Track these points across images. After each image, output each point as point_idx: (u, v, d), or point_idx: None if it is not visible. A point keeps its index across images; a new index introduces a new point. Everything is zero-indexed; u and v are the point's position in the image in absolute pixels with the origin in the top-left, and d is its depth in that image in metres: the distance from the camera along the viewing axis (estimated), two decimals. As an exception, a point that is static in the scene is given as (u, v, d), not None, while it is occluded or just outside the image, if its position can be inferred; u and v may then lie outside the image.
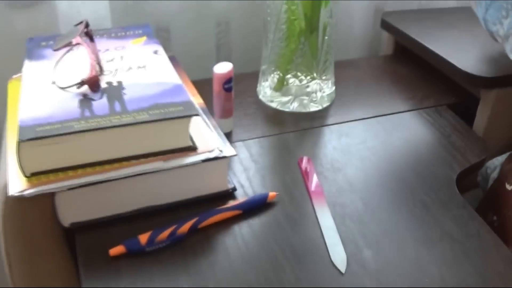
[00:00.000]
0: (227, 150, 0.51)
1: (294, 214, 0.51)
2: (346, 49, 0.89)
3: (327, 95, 0.67)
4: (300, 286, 0.44)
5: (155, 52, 0.58)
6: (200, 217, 0.49)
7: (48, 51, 0.57)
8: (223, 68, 0.58)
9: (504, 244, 0.49)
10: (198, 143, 0.51)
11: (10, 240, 0.49)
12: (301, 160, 0.58)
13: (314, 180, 0.55)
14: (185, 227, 0.48)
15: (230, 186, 0.53)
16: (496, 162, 0.65)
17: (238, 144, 0.60)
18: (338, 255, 0.47)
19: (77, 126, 0.45)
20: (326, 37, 0.63)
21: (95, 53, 0.55)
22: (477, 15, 0.62)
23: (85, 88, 0.50)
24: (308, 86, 0.65)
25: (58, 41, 0.57)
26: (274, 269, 0.46)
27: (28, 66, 0.55)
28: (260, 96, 0.69)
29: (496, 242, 0.49)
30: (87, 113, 0.47)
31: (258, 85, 0.70)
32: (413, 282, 0.45)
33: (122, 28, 0.63)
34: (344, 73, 0.76)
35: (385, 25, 0.80)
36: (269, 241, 0.49)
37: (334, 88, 0.68)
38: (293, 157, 0.59)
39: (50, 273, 0.51)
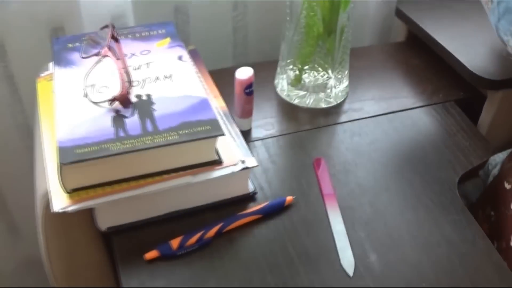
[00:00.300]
0: (249, 161, 0.56)
1: (308, 217, 0.57)
2: (360, 33, 0.91)
3: (342, 90, 0.71)
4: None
5: (180, 58, 0.60)
6: (224, 222, 0.55)
7: (75, 56, 0.60)
8: (244, 73, 0.61)
9: (496, 251, 0.55)
10: (222, 154, 0.55)
11: (51, 240, 0.55)
12: (316, 161, 0.62)
13: (327, 183, 0.60)
14: (212, 232, 0.54)
15: (251, 190, 0.58)
16: (498, 158, 0.70)
17: (257, 143, 0.65)
18: (347, 259, 0.53)
19: (113, 149, 0.49)
20: (343, 38, 0.65)
21: (124, 64, 0.58)
22: (490, 20, 0.64)
23: (116, 103, 0.54)
24: (324, 83, 0.69)
25: (85, 46, 0.61)
26: (290, 272, 0.52)
27: (58, 74, 0.58)
28: (278, 90, 0.72)
29: (489, 248, 0.55)
30: (121, 133, 0.51)
31: (276, 78, 0.73)
32: (412, 285, 0.51)
33: (146, 27, 0.65)
34: (358, 62, 0.78)
35: (399, 14, 0.81)
36: (286, 244, 0.54)
37: (348, 83, 0.72)
38: (308, 157, 0.63)
39: (88, 270, 0.58)
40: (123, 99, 0.53)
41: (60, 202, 0.50)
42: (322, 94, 0.69)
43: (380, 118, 0.69)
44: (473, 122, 0.70)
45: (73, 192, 0.50)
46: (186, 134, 0.51)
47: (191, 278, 0.51)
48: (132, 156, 0.50)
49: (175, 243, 0.53)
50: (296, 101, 0.70)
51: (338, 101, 0.71)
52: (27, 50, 0.74)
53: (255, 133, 0.66)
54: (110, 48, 0.60)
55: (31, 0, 0.69)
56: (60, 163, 0.48)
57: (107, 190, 0.51)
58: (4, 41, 0.72)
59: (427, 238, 0.55)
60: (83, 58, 0.59)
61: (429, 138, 0.67)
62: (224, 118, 0.60)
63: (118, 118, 0.52)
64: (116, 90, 0.55)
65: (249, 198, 0.58)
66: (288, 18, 0.65)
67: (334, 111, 0.70)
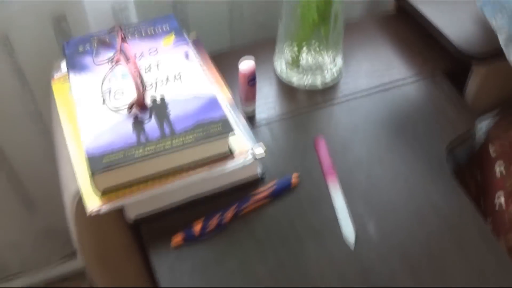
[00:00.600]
0: (258, 150, 0.62)
1: (312, 195, 0.65)
2: (351, 4, 0.94)
3: (337, 70, 0.76)
4: (320, 260, 0.59)
5: (186, 56, 0.66)
6: (239, 206, 0.62)
7: (88, 60, 0.66)
8: (246, 65, 0.67)
9: (482, 219, 0.63)
10: (233, 145, 0.62)
11: (82, 233, 0.63)
12: (316, 140, 0.69)
13: (328, 161, 0.67)
14: (228, 214, 0.62)
15: (260, 173, 0.65)
16: (484, 123, 0.77)
17: (261, 127, 0.71)
18: (348, 232, 0.62)
19: (137, 154, 0.56)
20: (337, 23, 0.70)
21: (136, 68, 0.63)
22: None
23: (134, 109, 0.60)
24: (320, 64, 0.74)
25: (96, 49, 0.66)
26: (299, 246, 0.60)
27: (74, 80, 0.64)
28: (277, 71, 0.78)
29: (475, 216, 0.63)
30: (142, 139, 0.57)
31: (275, 59, 0.79)
32: (406, 252, 0.59)
33: (150, 23, 0.70)
34: (350, 36, 0.83)
35: (387, -15, 0.85)
36: (294, 221, 0.62)
37: (342, 62, 0.77)
38: (309, 137, 0.70)
39: (117, 255, 0.66)
40: (140, 105, 0.60)
41: (93, 203, 0.57)
42: (318, 75, 0.75)
43: (373, 94, 0.75)
44: (460, 91, 0.77)
45: (104, 193, 0.58)
46: (200, 135, 0.58)
47: (214, 259, 0.59)
48: (154, 159, 0.57)
49: (197, 228, 0.61)
50: (295, 82, 0.76)
51: (334, 79, 0.77)
52: (32, 41, 0.78)
53: (259, 117, 0.73)
54: (121, 51, 0.65)
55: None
56: (91, 171, 0.55)
57: (134, 189, 0.58)
58: (9, 35, 0.76)
59: (418, 207, 0.63)
60: (97, 64, 0.64)
61: (418, 111, 0.73)
62: (231, 109, 0.66)
63: (138, 124, 0.59)
64: (131, 95, 0.61)
65: (259, 180, 0.65)
66: (284, 4, 0.70)
67: (331, 89, 0.76)
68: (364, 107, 0.74)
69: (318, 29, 0.70)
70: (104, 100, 0.61)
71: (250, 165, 0.63)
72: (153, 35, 0.69)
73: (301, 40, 0.71)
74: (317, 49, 0.72)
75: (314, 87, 0.76)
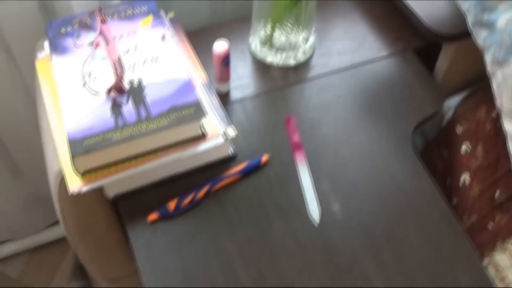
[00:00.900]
0: (229, 131, 0.67)
1: (281, 173, 0.70)
2: None
3: (309, 47, 0.81)
4: (286, 237, 0.65)
5: (163, 38, 0.70)
6: (211, 184, 0.68)
7: (70, 42, 0.70)
8: (221, 47, 0.71)
9: (443, 198, 0.68)
10: (206, 126, 0.67)
11: (65, 207, 0.69)
12: (287, 119, 0.74)
13: (297, 140, 0.72)
14: (201, 193, 0.68)
15: (232, 152, 0.70)
16: (452, 103, 0.82)
17: (235, 105, 0.76)
18: (314, 210, 0.67)
19: (115, 138, 0.61)
20: (309, 3, 0.74)
21: (115, 53, 0.67)
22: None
23: (112, 93, 0.64)
24: (292, 42, 0.78)
25: (77, 31, 0.69)
26: (267, 224, 0.66)
27: (56, 62, 0.68)
28: (252, 49, 0.82)
29: (436, 196, 0.69)
30: (120, 122, 0.62)
31: (250, 37, 0.82)
32: (368, 231, 0.65)
33: (129, 4, 0.74)
34: (324, 13, 0.87)
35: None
36: (263, 199, 0.68)
37: (314, 40, 0.81)
38: (280, 115, 0.76)
39: (98, 227, 0.72)
40: (118, 89, 0.64)
41: (75, 184, 0.62)
42: (291, 52, 0.79)
43: (344, 72, 0.80)
44: (430, 67, 0.81)
45: (84, 174, 0.63)
46: (174, 119, 0.62)
47: (187, 235, 0.65)
48: (131, 142, 0.62)
49: (171, 205, 0.67)
50: (268, 60, 0.81)
51: (307, 57, 0.81)
52: (17, 18, 0.81)
53: (233, 95, 0.78)
54: (101, 32, 0.69)
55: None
56: (72, 154, 0.60)
57: (112, 169, 0.64)
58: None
59: (382, 188, 0.69)
60: (77, 47, 0.68)
61: (387, 90, 0.78)
62: (205, 90, 0.71)
63: (116, 107, 0.63)
64: (110, 78, 0.65)
65: (231, 158, 0.71)
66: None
67: (303, 67, 0.81)
68: (335, 85, 0.79)
69: (291, 10, 0.73)
70: (84, 83, 0.65)
71: (222, 145, 0.68)
72: (132, 17, 0.73)
73: (274, 20, 0.75)
74: (290, 29, 0.76)
75: (287, 65, 0.81)
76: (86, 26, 0.71)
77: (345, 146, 0.73)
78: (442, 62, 0.82)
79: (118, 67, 0.66)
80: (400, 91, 0.78)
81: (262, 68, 0.81)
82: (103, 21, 0.71)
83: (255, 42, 0.82)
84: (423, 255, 0.64)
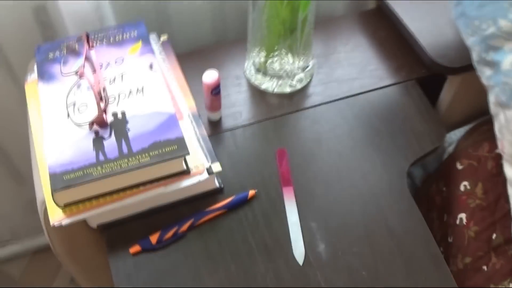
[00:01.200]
0: (214, 166, 0.67)
1: (268, 209, 0.70)
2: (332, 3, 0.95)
3: (305, 74, 0.79)
4: (268, 276, 0.65)
5: (151, 67, 0.70)
6: (195, 218, 0.68)
7: (56, 69, 0.70)
8: (210, 77, 0.70)
9: (434, 242, 0.67)
10: (190, 161, 0.66)
11: (52, 230, 0.70)
12: (278, 152, 0.73)
13: (287, 175, 0.72)
14: (184, 227, 0.68)
15: (218, 185, 0.70)
16: (454, 136, 0.80)
17: (226, 134, 0.76)
18: (299, 250, 0.67)
19: (95, 174, 0.61)
20: (305, 32, 0.72)
21: (100, 80, 0.67)
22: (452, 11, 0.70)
23: (95, 125, 0.64)
24: (288, 69, 0.77)
25: (65, 57, 0.70)
26: (250, 261, 0.66)
27: (42, 90, 0.69)
28: (246, 74, 0.81)
29: (428, 239, 0.67)
30: (101, 157, 0.62)
31: (246, 61, 0.81)
32: (354, 274, 0.65)
33: (118, 28, 0.74)
34: (327, 35, 0.86)
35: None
36: (247, 235, 0.68)
37: (312, 66, 0.80)
38: (272, 147, 0.75)
39: (86, 248, 0.73)
40: (100, 123, 0.64)
41: (56, 216, 0.63)
42: (287, 80, 0.78)
43: (341, 102, 0.79)
44: (433, 97, 0.79)
45: (66, 207, 0.63)
46: (156, 155, 0.63)
47: (168, 269, 0.66)
48: (112, 177, 0.62)
49: (154, 238, 0.67)
50: (263, 86, 0.80)
51: (303, 85, 0.80)
52: (13, 26, 0.82)
53: (225, 123, 0.77)
54: (87, 58, 0.69)
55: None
56: (52, 188, 0.60)
57: (94, 203, 0.64)
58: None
59: (372, 229, 0.68)
60: (63, 75, 0.68)
61: (386, 122, 0.77)
62: (193, 120, 0.70)
63: (98, 141, 0.64)
64: (94, 109, 0.65)
65: (217, 191, 0.70)
66: (251, 10, 0.72)
67: (299, 95, 0.80)
68: (331, 116, 0.78)
69: (285, 39, 0.72)
70: (68, 114, 0.66)
71: (207, 180, 0.68)
72: (121, 42, 0.73)
73: (269, 48, 0.74)
74: (285, 57, 0.75)
75: (282, 92, 0.80)
76: (74, 52, 0.71)
77: (336, 183, 0.72)
78: (446, 94, 0.80)
79: (102, 100, 0.66)
80: (399, 124, 0.77)
81: (256, 94, 0.81)
82: (91, 47, 0.71)
83: (250, 67, 0.81)
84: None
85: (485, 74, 0.68)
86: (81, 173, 0.62)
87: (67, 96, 0.68)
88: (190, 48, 0.89)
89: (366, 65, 0.83)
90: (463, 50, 0.75)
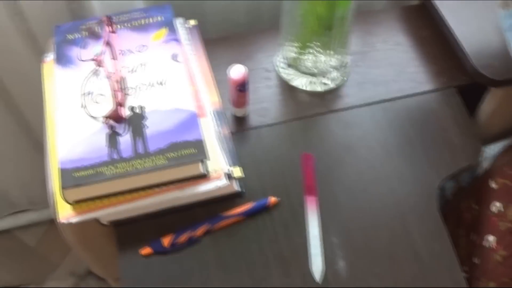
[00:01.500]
0: (235, 171, 0.60)
1: (288, 219, 0.63)
2: None
3: (340, 74, 0.71)
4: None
5: (174, 58, 0.62)
6: (210, 223, 0.62)
7: (75, 52, 0.64)
8: (237, 72, 0.62)
9: (459, 268, 0.60)
10: (209, 165, 0.60)
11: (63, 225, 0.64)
12: (304, 157, 0.66)
13: (312, 183, 0.65)
14: (199, 231, 0.62)
15: (238, 189, 0.63)
16: (490, 151, 0.71)
17: (251, 132, 0.69)
18: (317, 266, 0.61)
19: (107, 173, 0.55)
20: (343, 30, 0.64)
21: (119, 72, 0.60)
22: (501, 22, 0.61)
23: (110, 120, 0.58)
24: (322, 66, 0.69)
25: (84, 39, 0.62)
26: (265, 273, 0.60)
27: (59, 75, 0.62)
28: (277, 68, 0.73)
29: (453, 264, 0.61)
30: (114, 155, 0.56)
31: (277, 54, 0.74)
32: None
33: (144, 12, 0.66)
34: (365, 32, 0.77)
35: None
36: (264, 245, 0.62)
37: (347, 65, 0.71)
38: (298, 150, 0.67)
39: (97, 238, 0.68)
40: (116, 117, 0.57)
41: (65, 212, 0.58)
42: (320, 77, 0.70)
43: (376, 106, 0.71)
44: (472, 106, 0.70)
45: (76, 203, 0.58)
46: (173, 158, 0.56)
47: (179, 275, 0.60)
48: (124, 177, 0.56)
49: (166, 241, 0.61)
50: (293, 83, 0.72)
51: (336, 84, 0.72)
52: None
53: (251, 120, 0.70)
54: (107, 43, 0.62)
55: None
56: (61, 185, 0.55)
57: (105, 202, 0.58)
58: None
59: (396, 249, 0.61)
60: (81, 61, 0.61)
61: (420, 132, 0.69)
62: (216, 117, 0.63)
63: (112, 137, 0.57)
64: (111, 101, 0.58)
65: (237, 195, 0.64)
66: (285, 2, 0.64)
67: (331, 95, 0.72)
68: (363, 120, 0.70)
69: (319, 37, 0.64)
70: (84, 105, 0.59)
71: (225, 186, 0.61)
72: (145, 27, 0.65)
73: (302, 45, 0.66)
74: (319, 54, 0.66)
75: (313, 90, 0.72)
76: (95, 34, 0.64)
77: (363, 196, 0.65)
78: (487, 106, 0.71)
79: (119, 93, 0.59)
80: (434, 135, 0.68)
81: (286, 91, 0.73)
82: (112, 31, 0.64)
83: (281, 61, 0.73)
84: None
85: None
86: (93, 171, 0.56)
87: (84, 84, 0.61)
88: (220, 33, 0.81)
89: (405, 67, 0.74)
90: (509, 63, 0.67)
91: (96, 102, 0.60)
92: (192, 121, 0.59)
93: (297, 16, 0.63)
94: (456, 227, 0.74)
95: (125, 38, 0.65)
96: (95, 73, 0.61)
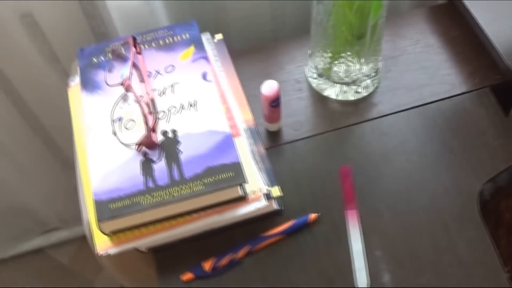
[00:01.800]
0: (274, 190, 0.56)
1: (330, 236, 0.59)
2: None
3: (373, 81, 0.66)
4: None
5: (204, 77, 0.58)
6: (251, 245, 0.58)
7: (101, 76, 0.59)
8: (269, 88, 0.58)
9: (503, 272, 0.56)
10: (247, 185, 0.55)
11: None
12: (342, 170, 0.62)
13: (351, 196, 0.61)
14: (240, 253, 0.58)
15: (277, 208, 0.59)
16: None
17: (285, 147, 0.64)
18: (362, 282, 0.57)
19: (145, 203, 0.51)
20: (375, 37, 0.59)
21: (148, 95, 0.56)
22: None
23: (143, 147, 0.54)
24: (354, 75, 0.64)
25: (110, 63, 0.58)
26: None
27: (86, 101, 0.58)
28: (308, 78, 0.69)
29: (497, 269, 0.56)
30: (150, 184, 0.52)
31: (307, 64, 0.69)
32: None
33: (169, 30, 0.62)
34: (394, 33, 0.72)
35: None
36: (307, 263, 0.58)
37: (379, 71, 0.67)
38: (335, 163, 0.63)
39: (137, 265, 0.64)
40: (149, 144, 0.53)
41: (102, 243, 0.54)
42: (352, 86, 0.65)
43: (411, 112, 0.66)
44: (507, 105, 0.66)
45: (113, 234, 0.54)
46: (211, 183, 0.52)
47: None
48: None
49: (207, 265, 0.57)
50: (325, 93, 0.67)
51: (369, 92, 0.67)
52: (57, 18, 0.71)
53: (284, 135, 0.65)
54: (133, 66, 0.58)
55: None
56: (97, 219, 0.51)
57: (143, 231, 0.55)
58: (34, 12, 0.69)
59: (440, 257, 0.57)
60: (109, 85, 0.57)
61: (458, 136, 0.64)
62: (250, 136, 0.59)
63: (147, 164, 0.53)
64: (142, 127, 0.54)
65: (275, 213, 0.60)
66: (315, 13, 0.59)
67: (365, 103, 0.67)
68: (399, 128, 0.65)
69: (352, 46, 0.59)
70: (114, 132, 0.55)
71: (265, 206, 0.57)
72: (171, 46, 0.61)
73: (333, 56, 0.61)
74: (352, 63, 0.62)
75: (346, 100, 0.67)
76: (120, 56, 0.60)
77: (403, 205, 0.60)
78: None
79: (150, 117, 0.55)
80: (472, 138, 0.64)
81: (318, 101, 0.68)
82: (138, 52, 0.59)
83: (312, 71, 0.68)
84: None
85: None
86: (129, 201, 0.52)
87: (113, 111, 0.57)
88: (245, 43, 0.76)
89: (438, 69, 0.69)
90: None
91: (127, 128, 0.56)
92: (227, 143, 0.54)
93: (328, 27, 0.58)
94: (495, 228, 0.70)
95: (152, 59, 0.60)
96: (124, 98, 0.58)
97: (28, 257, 1.12)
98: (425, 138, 0.64)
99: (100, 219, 0.51)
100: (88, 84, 0.59)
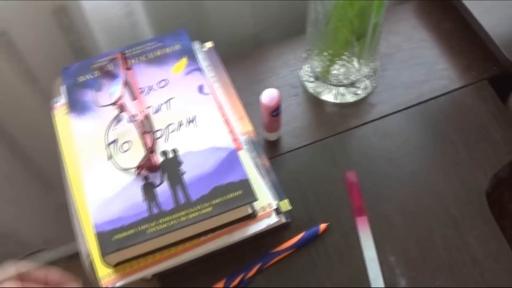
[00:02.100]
0: (283, 204, 0.52)
1: (341, 245, 0.56)
2: None
3: (371, 82, 0.63)
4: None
5: (201, 90, 0.53)
6: (262, 262, 0.54)
7: (90, 96, 0.54)
8: (269, 97, 0.54)
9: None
10: (255, 202, 0.51)
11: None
12: (347, 177, 0.58)
13: (359, 202, 0.57)
14: (251, 272, 0.54)
15: (285, 221, 0.55)
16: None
17: (287, 156, 0.60)
18: (378, 288, 0.54)
19: (150, 231, 0.47)
20: (375, 37, 0.55)
21: (143, 114, 0.51)
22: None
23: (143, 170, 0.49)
24: (352, 77, 0.61)
25: (98, 81, 0.53)
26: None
27: (76, 125, 0.53)
28: (304, 82, 0.65)
29: (510, 263, 0.54)
30: (154, 209, 0.47)
31: (302, 67, 0.65)
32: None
33: (158, 41, 0.57)
34: (386, 28, 0.67)
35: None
36: (321, 275, 0.54)
37: (377, 71, 0.63)
38: (339, 169, 0.59)
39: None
40: (149, 167, 0.49)
41: (106, 277, 0.49)
42: (350, 88, 0.62)
43: (411, 110, 0.63)
44: (504, 95, 0.63)
45: (117, 265, 0.49)
46: (219, 204, 0.48)
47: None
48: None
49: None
50: (323, 97, 0.63)
51: (368, 92, 0.64)
52: (33, 34, 0.65)
53: (284, 143, 0.61)
54: (126, 83, 0.53)
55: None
56: (101, 253, 0.46)
57: (149, 260, 0.50)
58: (8, 30, 0.63)
59: (453, 257, 0.55)
60: (100, 106, 0.52)
61: (460, 132, 0.61)
62: (252, 148, 0.55)
63: (148, 188, 0.49)
64: (139, 147, 0.50)
65: (284, 226, 0.56)
66: (312, 17, 0.55)
67: (364, 105, 0.63)
68: (401, 128, 0.62)
69: (351, 47, 0.55)
70: (110, 156, 0.50)
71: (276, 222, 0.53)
72: (162, 58, 0.56)
73: (332, 58, 0.57)
74: (351, 64, 0.58)
75: (345, 102, 0.64)
76: (108, 73, 0.55)
77: (412, 206, 0.57)
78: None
79: (148, 137, 0.50)
80: (474, 132, 0.61)
81: (316, 106, 0.64)
82: (127, 68, 0.54)
83: (308, 75, 0.64)
84: None
85: None
86: (133, 231, 0.47)
87: (107, 133, 0.52)
88: (229, 50, 0.71)
89: (434, 64, 0.66)
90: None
91: (123, 151, 0.51)
92: (232, 159, 0.50)
93: (328, 30, 0.54)
94: (499, 219, 0.68)
95: (143, 74, 0.55)
96: (118, 118, 0.52)
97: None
98: (427, 136, 0.61)
99: (104, 253, 0.46)
100: (77, 106, 0.54)
